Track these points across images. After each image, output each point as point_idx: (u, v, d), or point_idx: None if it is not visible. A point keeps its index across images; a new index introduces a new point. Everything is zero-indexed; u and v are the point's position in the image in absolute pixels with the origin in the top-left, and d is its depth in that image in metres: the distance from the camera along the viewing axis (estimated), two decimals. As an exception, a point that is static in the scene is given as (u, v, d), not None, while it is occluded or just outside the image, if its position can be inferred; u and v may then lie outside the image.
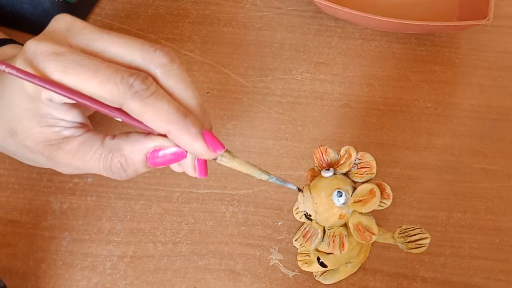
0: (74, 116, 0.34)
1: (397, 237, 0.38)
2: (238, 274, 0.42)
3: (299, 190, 0.36)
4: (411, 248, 0.37)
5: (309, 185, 0.36)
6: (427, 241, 0.37)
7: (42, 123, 0.33)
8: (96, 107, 0.31)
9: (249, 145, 0.47)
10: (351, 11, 0.47)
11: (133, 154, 0.33)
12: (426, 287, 0.42)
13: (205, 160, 0.34)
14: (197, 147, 0.32)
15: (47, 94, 0.32)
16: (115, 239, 0.42)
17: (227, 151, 0.33)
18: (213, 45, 0.50)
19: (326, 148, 0.36)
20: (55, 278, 0.41)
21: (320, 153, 0.36)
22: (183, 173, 0.45)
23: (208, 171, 0.45)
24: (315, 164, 0.37)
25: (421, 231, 0.37)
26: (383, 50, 0.51)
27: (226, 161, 0.33)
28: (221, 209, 0.44)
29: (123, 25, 0.51)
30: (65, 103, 0.33)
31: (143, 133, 0.33)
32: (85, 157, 0.34)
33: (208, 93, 0.48)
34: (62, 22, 0.33)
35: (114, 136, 0.34)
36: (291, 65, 0.50)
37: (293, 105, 0.48)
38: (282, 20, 0.52)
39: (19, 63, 0.31)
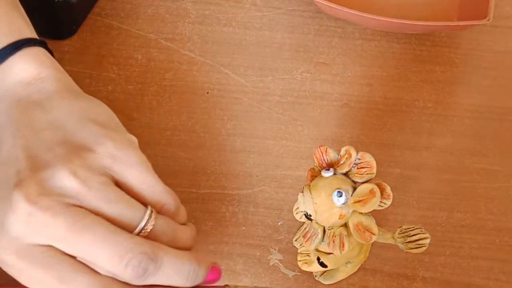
0: None
1: (397, 237, 0.38)
2: (238, 274, 0.42)
3: None
4: (411, 248, 0.37)
5: (309, 185, 0.36)
6: (427, 241, 0.37)
7: None
8: None
9: (249, 145, 0.47)
10: (351, 11, 0.47)
11: None
12: (426, 287, 0.42)
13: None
14: None
15: None
16: (115, 239, 0.42)
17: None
18: (213, 45, 0.50)
19: (326, 148, 0.36)
20: (55, 278, 0.41)
21: (320, 153, 0.36)
22: (183, 173, 0.45)
23: (208, 171, 0.45)
24: (315, 164, 0.37)
25: (421, 231, 0.37)
26: (383, 50, 0.51)
27: None
28: (221, 209, 0.44)
29: (123, 25, 0.51)
30: None
31: None
32: None
33: (208, 93, 0.48)
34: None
35: None
36: (291, 65, 0.50)
37: (293, 105, 0.48)
38: (282, 20, 0.52)
39: None
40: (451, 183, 0.46)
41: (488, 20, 0.47)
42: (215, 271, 0.33)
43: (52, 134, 0.32)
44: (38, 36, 0.38)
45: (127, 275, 0.30)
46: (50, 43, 0.49)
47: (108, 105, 0.37)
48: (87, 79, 0.48)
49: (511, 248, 0.44)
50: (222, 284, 0.34)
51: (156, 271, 0.30)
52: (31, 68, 0.35)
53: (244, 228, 0.43)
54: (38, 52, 0.36)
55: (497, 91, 0.50)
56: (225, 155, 0.46)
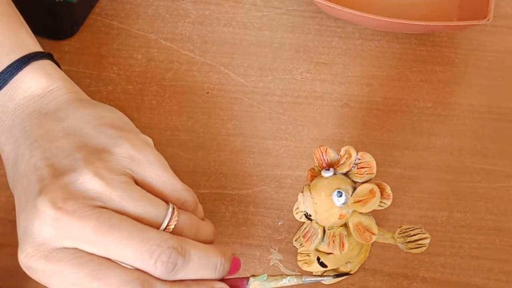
0: None
1: (397, 237, 0.38)
2: (238, 274, 0.42)
3: (336, 276, 0.36)
4: (411, 248, 0.37)
5: (309, 185, 0.36)
6: (427, 241, 0.37)
7: None
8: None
9: (249, 145, 0.47)
10: (351, 11, 0.47)
11: None
12: (426, 287, 0.42)
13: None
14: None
15: None
16: (115, 239, 0.42)
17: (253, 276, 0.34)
18: (213, 45, 0.50)
19: (326, 148, 0.36)
20: (55, 278, 0.41)
21: (320, 153, 0.36)
22: (183, 173, 0.45)
23: (208, 171, 0.45)
24: (315, 164, 0.37)
25: (421, 231, 0.37)
26: (383, 50, 0.51)
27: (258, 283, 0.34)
28: (221, 209, 0.44)
29: (123, 25, 0.51)
30: None
31: None
32: None
33: (208, 93, 0.48)
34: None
35: None
36: (291, 65, 0.50)
37: (293, 105, 0.48)
38: (282, 20, 0.52)
39: None
40: (451, 183, 0.46)
41: (488, 20, 0.47)
42: (236, 261, 0.34)
43: (68, 141, 0.32)
44: (39, 36, 0.38)
45: (157, 271, 0.30)
46: (50, 43, 0.49)
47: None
48: (87, 79, 0.48)
49: (511, 248, 0.44)
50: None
51: (184, 266, 0.31)
52: (40, 81, 0.35)
53: (244, 228, 0.43)
54: (45, 65, 0.36)
55: (497, 91, 0.50)
56: (225, 155, 0.46)
